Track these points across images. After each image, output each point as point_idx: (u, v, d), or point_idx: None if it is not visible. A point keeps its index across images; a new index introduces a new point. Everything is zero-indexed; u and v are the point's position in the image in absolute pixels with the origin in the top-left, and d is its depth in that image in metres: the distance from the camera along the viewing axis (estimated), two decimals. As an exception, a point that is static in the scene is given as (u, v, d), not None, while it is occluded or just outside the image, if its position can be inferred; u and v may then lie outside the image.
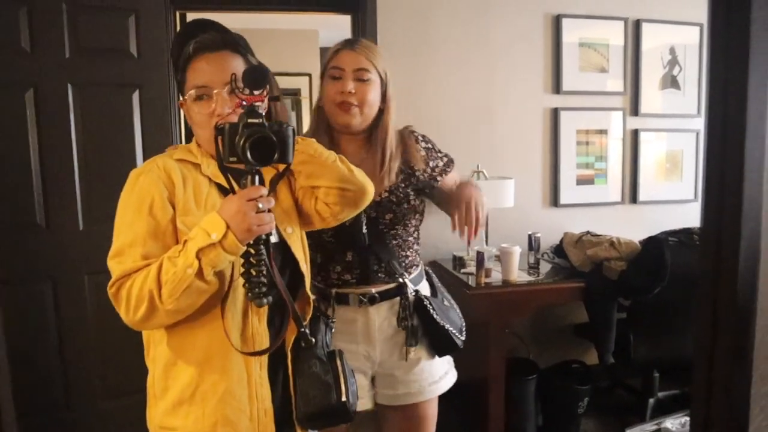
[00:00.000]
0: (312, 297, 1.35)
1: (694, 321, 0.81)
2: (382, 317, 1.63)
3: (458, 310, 1.76)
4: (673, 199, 3.44)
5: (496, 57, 3.09)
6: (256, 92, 1.07)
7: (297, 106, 5.74)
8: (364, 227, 1.58)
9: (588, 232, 2.82)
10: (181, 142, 2.41)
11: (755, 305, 0.73)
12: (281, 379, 1.28)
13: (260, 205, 1.07)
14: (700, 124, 3.44)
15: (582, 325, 3.05)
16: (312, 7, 3.14)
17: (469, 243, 1.52)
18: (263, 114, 1.09)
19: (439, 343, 1.66)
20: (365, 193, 1.34)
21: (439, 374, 1.70)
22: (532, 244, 2.80)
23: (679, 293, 2.38)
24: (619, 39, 3.25)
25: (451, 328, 1.63)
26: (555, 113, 3.19)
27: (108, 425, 2.66)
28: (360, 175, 1.33)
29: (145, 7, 2.58)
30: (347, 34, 3.10)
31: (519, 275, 2.60)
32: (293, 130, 1.14)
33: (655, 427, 2.70)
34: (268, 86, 1.09)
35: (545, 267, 2.84)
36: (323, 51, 5.55)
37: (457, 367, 1.83)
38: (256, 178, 1.10)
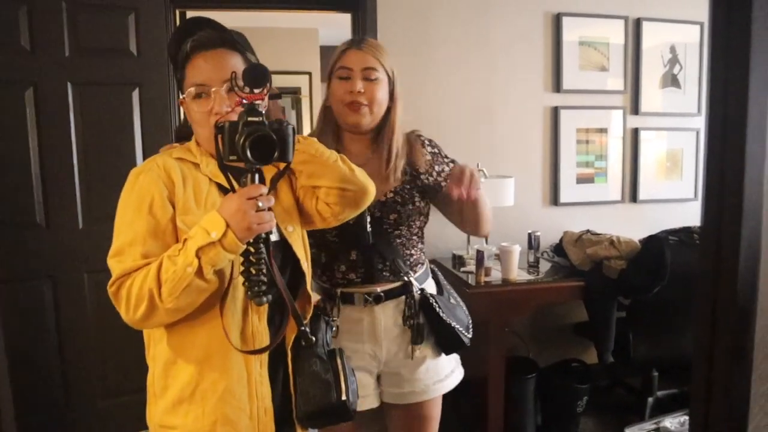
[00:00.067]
0: (312, 295, 1.35)
1: (693, 320, 0.80)
2: (387, 316, 1.62)
3: (465, 308, 1.75)
4: (673, 198, 3.43)
5: (496, 55, 3.08)
6: (256, 91, 1.07)
7: (297, 105, 5.74)
8: (369, 226, 1.57)
9: (588, 231, 2.82)
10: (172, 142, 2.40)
11: (755, 305, 0.73)
12: (281, 377, 1.27)
13: (260, 204, 1.07)
14: (700, 122, 3.43)
15: (581, 324, 3.05)
16: (312, 5, 3.14)
17: (465, 200, 1.50)
18: (263, 112, 1.08)
19: (446, 341, 1.65)
20: (366, 194, 1.34)
21: (445, 373, 1.69)
22: (532, 242, 2.80)
23: (678, 292, 2.38)
24: (619, 37, 3.25)
25: (457, 326, 1.63)
26: (555, 112, 3.19)
27: (107, 424, 2.66)
28: (361, 175, 1.33)
29: (145, 5, 2.58)
30: (347, 33, 3.10)
31: (519, 274, 2.60)
32: (293, 128, 1.13)
33: (654, 426, 2.70)
34: (268, 84, 1.08)
35: (545, 266, 2.84)
36: (323, 49, 5.57)
37: (456, 365, 1.82)
38: (256, 176, 1.10)
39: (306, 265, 1.32)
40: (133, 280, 1.11)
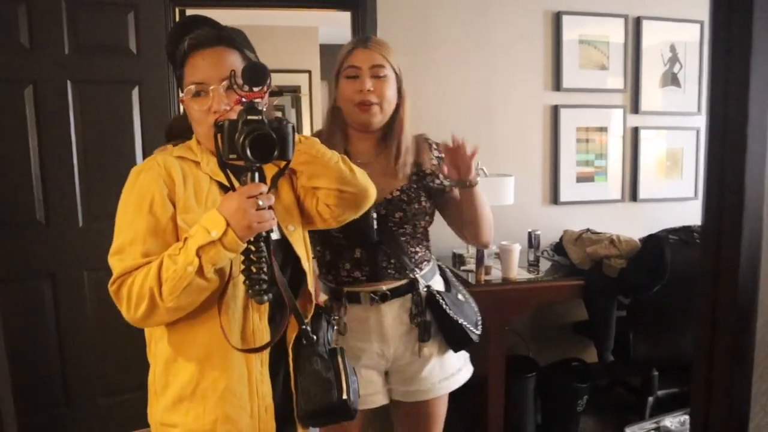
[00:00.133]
0: (320, 296, 1.34)
1: (694, 319, 0.80)
2: (394, 314, 1.62)
3: (474, 305, 1.74)
4: (673, 196, 3.43)
5: (496, 54, 3.08)
6: (255, 89, 1.07)
7: (297, 103, 5.74)
8: (375, 223, 1.57)
9: (588, 230, 2.82)
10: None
11: (756, 304, 0.73)
12: (282, 376, 1.27)
13: (260, 202, 1.07)
14: (700, 121, 3.43)
15: (581, 322, 3.05)
16: (312, 3, 3.14)
17: (459, 178, 1.51)
18: (263, 111, 1.08)
19: (454, 338, 1.64)
20: (366, 197, 1.33)
21: (451, 371, 1.69)
22: (532, 241, 2.80)
23: (679, 291, 2.38)
24: (619, 36, 3.24)
25: (464, 322, 1.62)
26: (555, 111, 3.19)
27: (108, 422, 2.66)
28: (362, 177, 1.32)
29: (144, 3, 2.58)
30: (347, 31, 3.10)
31: (519, 273, 2.60)
32: (293, 127, 1.13)
33: (654, 426, 2.70)
34: (268, 82, 1.08)
35: (545, 264, 2.84)
36: (323, 48, 5.57)
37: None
38: (256, 175, 1.10)
39: (307, 264, 1.32)
40: (133, 279, 1.11)
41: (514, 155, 3.14)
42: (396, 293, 1.62)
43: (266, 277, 1.10)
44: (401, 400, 1.69)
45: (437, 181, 1.66)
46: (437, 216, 1.75)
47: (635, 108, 3.32)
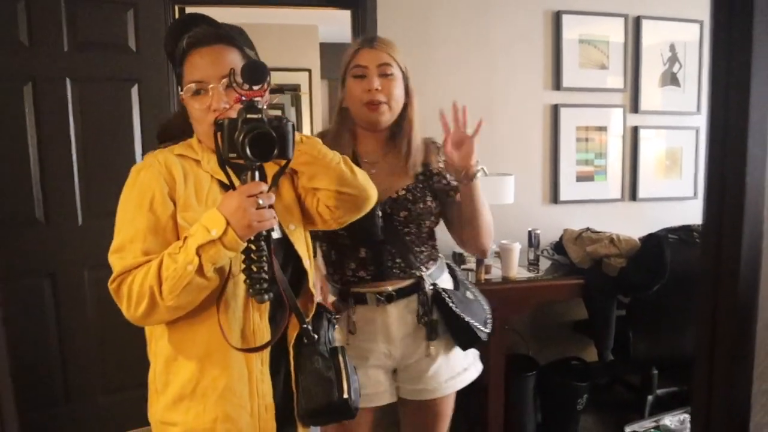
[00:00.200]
0: (316, 293, 1.34)
1: (694, 319, 0.80)
2: (400, 315, 1.62)
3: (484, 303, 1.73)
4: (672, 196, 3.43)
5: (496, 53, 3.08)
6: (255, 87, 1.07)
7: (297, 102, 5.73)
8: (380, 222, 1.57)
9: (588, 229, 2.82)
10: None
11: (756, 303, 0.73)
12: (283, 375, 1.27)
13: (260, 201, 1.07)
14: (699, 121, 3.43)
15: (581, 321, 3.05)
16: (312, 1, 3.14)
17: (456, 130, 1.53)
18: (263, 109, 1.08)
19: (461, 336, 1.64)
20: (367, 199, 1.33)
21: (457, 370, 1.68)
22: (532, 240, 2.80)
23: (678, 290, 2.38)
24: (619, 36, 3.24)
25: (472, 320, 1.61)
26: (555, 110, 3.19)
27: (108, 421, 2.66)
28: (363, 179, 1.32)
29: (144, 1, 2.58)
30: (347, 30, 3.10)
31: (519, 272, 2.60)
32: (293, 125, 1.13)
33: (653, 424, 2.70)
34: (267, 81, 1.08)
35: (545, 264, 2.84)
36: (323, 46, 5.56)
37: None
38: (257, 173, 1.09)
39: (308, 263, 1.32)
40: (134, 278, 1.11)
41: (514, 154, 3.14)
42: (401, 294, 1.61)
43: (267, 277, 1.09)
44: (408, 399, 1.69)
45: (443, 182, 1.66)
46: None
47: (635, 107, 3.32)
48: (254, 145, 1.04)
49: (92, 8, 2.49)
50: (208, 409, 1.18)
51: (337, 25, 4.39)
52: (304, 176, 1.29)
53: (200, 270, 1.07)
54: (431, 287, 1.62)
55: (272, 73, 1.09)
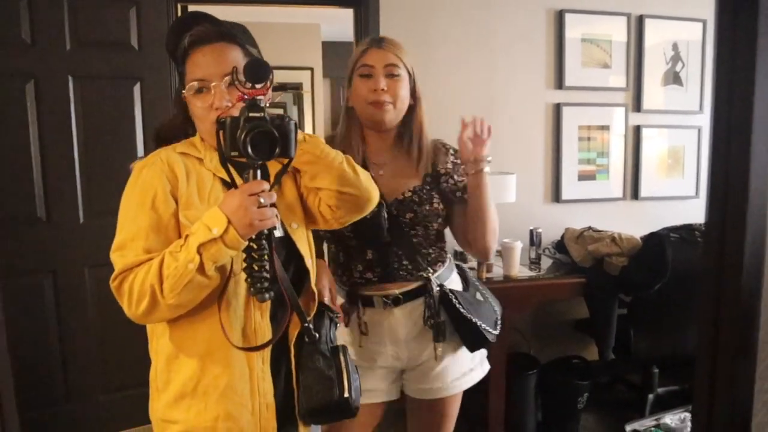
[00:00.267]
0: (317, 292, 1.34)
1: (695, 317, 0.80)
2: (407, 317, 1.62)
3: (495, 305, 1.72)
4: (674, 195, 3.43)
5: (499, 52, 3.08)
6: (257, 86, 1.06)
7: (299, 100, 5.73)
8: (386, 223, 1.57)
9: (589, 228, 2.82)
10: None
11: (759, 301, 0.73)
12: (284, 374, 1.27)
13: (262, 200, 1.06)
14: (702, 120, 3.43)
15: (582, 320, 3.05)
16: (314, 0, 3.13)
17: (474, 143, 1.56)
18: (265, 108, 1.08)
19: (469, 338, 1.63)
20: (369, 200, 1.32)
21: (463, 371, 1.68)
22: (534, 239, 2.80)
23: (679, 289, 2.38)
24: (621, 35, 3.24)
25: (480, 322, 1.60)
26: (557, 109, 3.18)
27: (108, 419, 2.67)
28: (366, 180, 1.31)
29: (147, -1, 2.58)
30: (350, 29, 3.09)
31: (520, 270, 2.60)
32: (295, 124, 1.13)
33: (654, 423, 2.70)
34: (270, 79, 1.08)
35: (546, 262, 2.84)
36: (325, 45, 5.56)
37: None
38: (259, 172, 1.09)
39: (310, 262, 1.32)
40: (135, 276, 1.10)
41: (516, 153, 3.14)
42: (408, 296, 1.61)
43: (268, 275, 1.09)
44: (415, 398, 1.70)
45: (450, 181, 1.65)
46: None
47: (637, 106, 3.31)
48: (256, 144, 1.03)
49: (94, 6, 2.49)
50: (209, 408, 1.18)
51: (340, 23, 4.39)
52: (306, 175, 1.29)
53: (201, 268, 1.07)
54: (438, 289, 1.61)
55: (274, 72, 1.09)
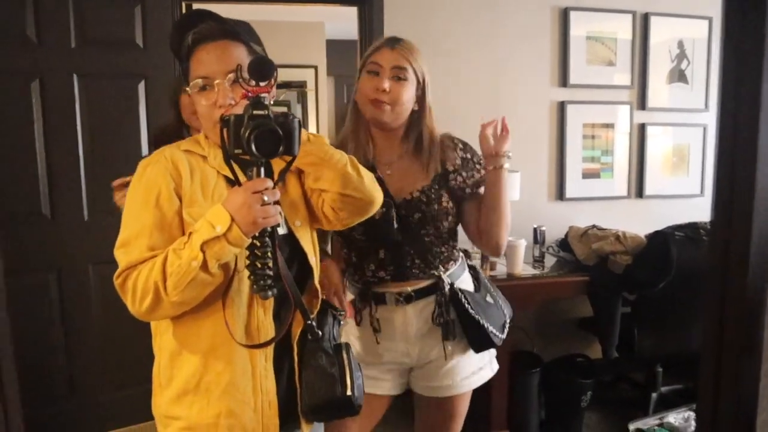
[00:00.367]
0: (320, 290, 1.34)
1: (700, 316, 0.80)
2: (419, 315, 1.62)
3: (505, 308, 1.73)
4: (679, 193, 3.42)
5: (503, 50, 3.07)
6: (261, 84, 1.06)
7: (303, 98, 5.74)
8: (395, 223, 1.57)
9: (593, 226, 2.82)
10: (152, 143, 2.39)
11: (765, 299, 0.73)
12: (287, 371, 1.27)
13: (265, 198, 1.06)
14: (707, 118, 3.42)
15: (586, 319, 3.05)
16: (318, -2, 3.13)
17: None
18: (269, 106, 1.08)
19: (474, 338, 1.63)
20: (372, 203, 1.31)
21: (472, 369, 1.68)
22: (538, 237, 2.80)
23: (684, 288, 2.38)
24: (627, 32, 3.23)
25: (486, 324, 1.61)
26: (561, 107, 3.18)
27: (112, 416, 2.68)
28: (369, 182, 1.30)
29: (151, -3, 2.58)
30: (354, 27, 3.09)
31: (524, 268, 2.60)
32: (299, 122, 1.12)
33: (657, 422, 2.70)
34: (274, 77, 1.08)
35: (550, 260, 2.84)
36: (329, 43, 5.56)
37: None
38: (262, 170, 1.09)
39: (314, 260, 1.32)
40: (139, 273, 1.11)
41: (520, 151, 3.10)
42: (420, 294, 1.61)
43: (271, 273, 1.09)
44: (423, 395, 1.70)
45: (459, 179, 1.65)
46: None
47: (642, 104, 3.30)
48: (260, 142, 1.03)
49: (100, 5, 2.50)
50: (212, 404, 1.18)
51: (344, 22, 4.39)
52: (309, 177, 1.28)
53: (204, 266, 1.07)
54: (449, 287, 1.62)
55: (278, 70, 1.09)
